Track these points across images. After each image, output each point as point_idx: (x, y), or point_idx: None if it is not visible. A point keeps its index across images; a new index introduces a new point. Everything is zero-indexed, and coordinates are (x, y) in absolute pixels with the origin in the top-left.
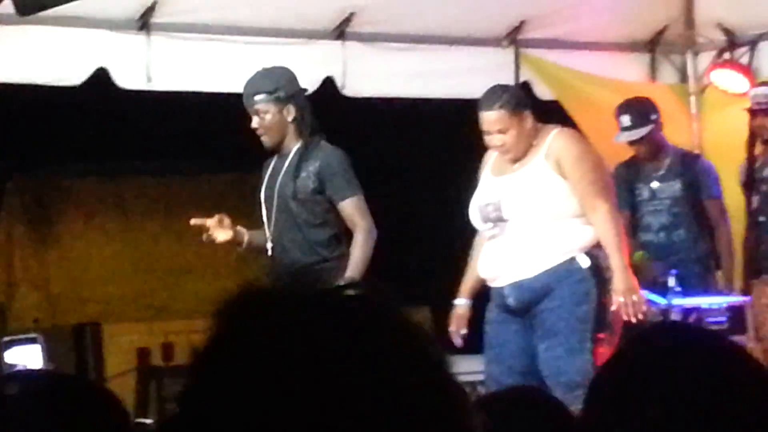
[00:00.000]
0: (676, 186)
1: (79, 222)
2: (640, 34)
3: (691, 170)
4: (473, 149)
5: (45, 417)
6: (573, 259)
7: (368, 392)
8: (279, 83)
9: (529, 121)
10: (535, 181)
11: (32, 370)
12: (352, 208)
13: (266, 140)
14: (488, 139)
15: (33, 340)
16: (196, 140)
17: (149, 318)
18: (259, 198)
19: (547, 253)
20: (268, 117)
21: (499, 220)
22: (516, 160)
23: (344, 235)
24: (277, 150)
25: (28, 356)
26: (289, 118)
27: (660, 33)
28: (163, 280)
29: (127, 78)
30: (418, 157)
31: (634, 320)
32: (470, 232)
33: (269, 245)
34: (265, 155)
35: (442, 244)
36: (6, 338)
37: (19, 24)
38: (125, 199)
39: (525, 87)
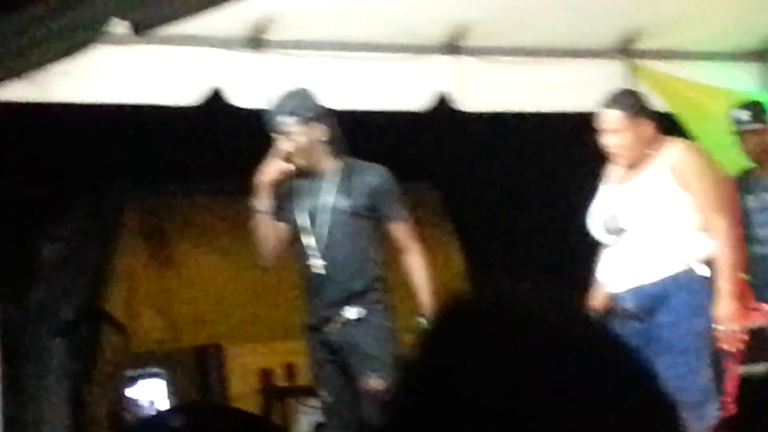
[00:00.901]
0: None
1: (197, 242)
2: (752, 42)
3: None
4: (588, 163)
5: None
6: (691, 268)
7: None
8: (305, 103)
9: (647, 129)
10: (654, 190)
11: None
12: (406, 230)
13: (299, 162)
14: (603, 140)
15: (156, 375)
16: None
17: (271, 338)
18: (295, 220)
19: (667, 260)
20: (299, 138)
21: (619, 230)
22: (630, 167)
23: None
24: (308, 172)
25: (151, 391)
26: (320, 138)
27: None
28: (284, 300)
29: (242, 97)
30: (534, 171)
31: (733, 350)
32: (588, 246)
33: (320, 264)
34: None
35: (559, 260)
36: (129, 372)
37: (133, 44)
38: (243, 218)
39: None
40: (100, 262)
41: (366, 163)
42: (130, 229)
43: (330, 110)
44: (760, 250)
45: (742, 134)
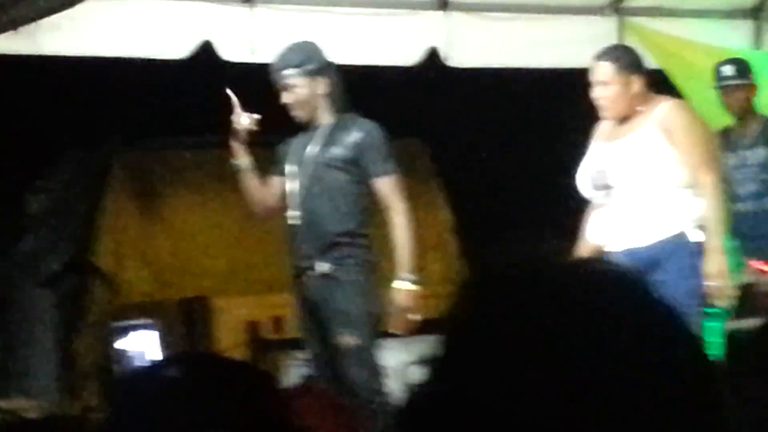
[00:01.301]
0: (762, 152)
1: (185, 196)
2: (744, 1)
3: None
4: (577, 119)
5: (207, 399)
6: (683, 232)
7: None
8: (308, 56)
9: (636, 86)
10: (643, 148)
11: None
12: (390, 186)
13: (299, 114)
14: (593, 92)
15: (146, 326)
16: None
17: (258, 291)
18: (282, 170)
19: (659, 224)
20: (299, 91)
21: (607, 187)
22: (620, 123)
23: (371, 215)
24: (308, 125)
25: (141, 342)
26: (320, 91)
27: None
28: (270, 253)
29: (231, 50)
30: (522, 126)
31: (723, 306)
32: (577, 203)
33: (296, 215)
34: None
35: (549, 216)
36: (118, 324)
37: None
38: (231, 171)
39: None
40: (88, 215)
41: (359, 119)
42: (118, 182)
43: (333, 64)
44: (740, 207)
45: (725, 89)
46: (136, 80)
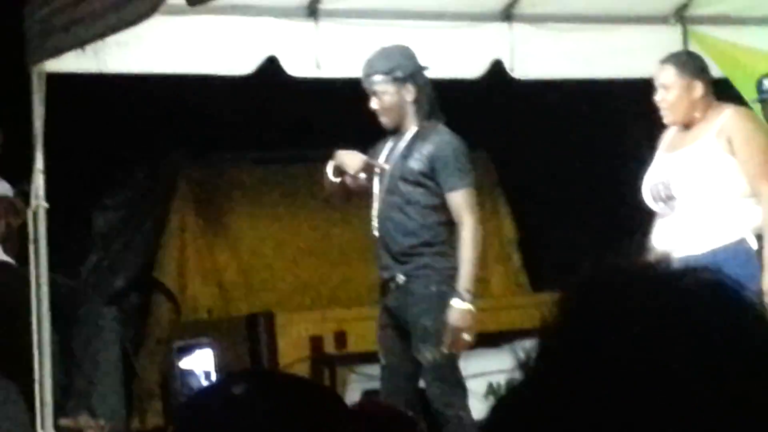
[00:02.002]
0: None
1: (249, 211)
2: None
3: None
4: (643, 128)
5: (274, 416)
6: (743, 239)
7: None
8: (397, 62)
9: (698, 91)
10: (704, 158)
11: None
12: (460, 201)
13: (385, 121)
14: (655, 96)
15: (209, 345)
16: (366, 126)
17: (321, 306)
18: (372, 177)
19: (717, 231)
20: (386, 98)
21: (669, 198)
22: (682, 130)
23: (452, 225)
24: (396, 131)
25: (204, 361)
26: (408, 98)
27: None
28: (334, 268)
29: (296, 65)
30: (588, 137)
31: None
32: (641, 215)
33: (375, 224)
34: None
35: (617, 227)
36: (180, 342)
37: (187, 14)
38: (295, 187)
39: None
40: (154, 232)
41: (441, 129)
42: (183, 199)
43: (423, 70)
44: None
45: (764, 103)
46: (202, 96)
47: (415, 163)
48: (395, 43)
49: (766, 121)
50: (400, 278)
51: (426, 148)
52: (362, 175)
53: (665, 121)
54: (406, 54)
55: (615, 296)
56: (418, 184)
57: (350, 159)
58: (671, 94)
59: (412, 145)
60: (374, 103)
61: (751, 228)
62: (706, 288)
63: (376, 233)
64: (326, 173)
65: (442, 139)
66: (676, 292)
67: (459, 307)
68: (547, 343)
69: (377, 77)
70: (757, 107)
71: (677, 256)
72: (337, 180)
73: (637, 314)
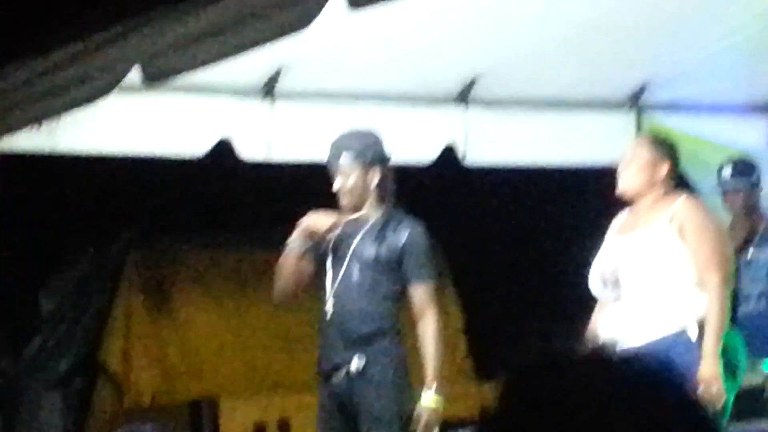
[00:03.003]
0: None
1: (196, 295)
2: (762, 96)
3: None
4: (597, 215)
5: None
6: (684, 330)
7: None
8: (366, 145)
9: (663, 170)
10: (655, 243)
11: None
12: (426, 294)
13: (345, 203)
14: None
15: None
16: (313, 208)
17: (266, 392)
18: (326, 258)
19: (660, 322)
20: (352, 179)
21: (617, 282)
22: (636, 212)
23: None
24: (352, 214)
25: None
26: (373, 183)
27: None
28: (280, 354)
29: (249, 148)
30: (541, 223)
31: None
32: (590, 302)
33: (330, 306)
34: None
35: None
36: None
37: (143, 93)
38: (243, 271)
39: None
40: (100, 314)
41: (407, 218)
42: (131, 282)
43: (389, 156)
44: (748, 307)
45: (725, 191)
46: (153, 177)
47: (386, 250)
48: (349, 125)
49: (726, 209)
50: (358, 363)
51: (397, 238)
52: (332, 234)
53: (619, 188)
54: (377, 139)
55: (555, 385)
56: (385, 270)
57: (323, 219)
58: (635, 164)
59: (380, 232)
60: (338, 184)
61: (695, 317)
62: (645, 378)
63: (329, 314)
64: (289, 248)
65: (415, 231)
66: (614, 381)
67: (433, 404)
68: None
69: (345, 158)
70: (716, 199)
71: (620, 345)
72: (303, 250)
73: (576, 403)
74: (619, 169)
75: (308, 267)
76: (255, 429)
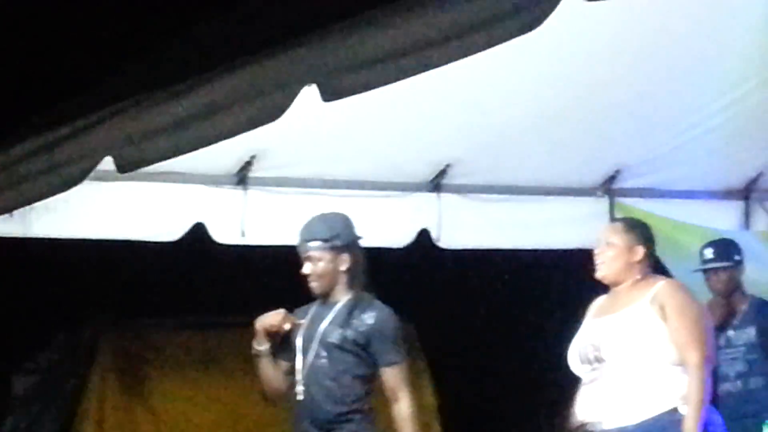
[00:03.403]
0: (750, 332)
1: (169, 378)
2: (734, 181)
3: (766, 316)
4: (569, 299)
5: None
6: (675, 409)
7: None
8: (337, 231)
9: (638, 255)
10: (637, 322)
11: None
12: (397, 377)
13: (315, 287)
14: (596, 253)
15: None
16: (290, 294)
17: None
18: (295, 343)
19: (650, 401)
20: (321, 264)
21: (598, 361)
22: (615, 297)
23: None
24: (322, 298)
25: None
26: (342, 267)
27: (754, 179)
28: None
29: (223, 233)
30: (513, 306)
31: None
32: (570, 383)
33: (299, 390)
34: None
35: (540, 396)
36: None
37: (117, 181)
38: (216, 353)
39: None
40: (73, 395)
41: (374, 302)
42: (104, 363)
43: (359, 241)
44: (728, 387)
45: (707, 272)
46: (127, 262)
47: (352, 333)
48: (324, 211)
49: (710, 290)
50: None
51: (365, 320)
52: (287, 327)
53: (597, 275)
54: (346, 223)
55: None
56: (352, 353)
57: (272, 316)
58: (612, 250)
59: (348, 315)
60: (307, 269)
61: (682, 396)
62: None
63: (300, 398)
64: (255, 349)
65: (382, 314)
66: None
67: None
68: None
69: (314, 243)
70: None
71: (606, 427)
72: (267, 346)
73: None
74: (596, 256)
75: (284, 365)
76: None
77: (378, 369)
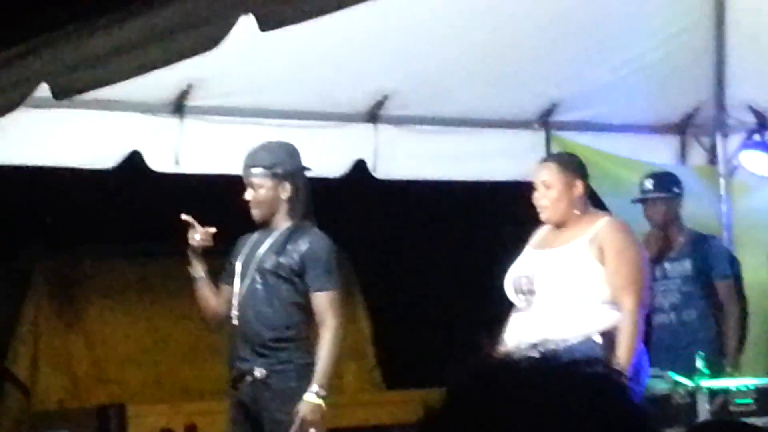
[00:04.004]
0: (686, 265)
1: (103, 304)
2: (670, 116)
3: (702, 250)
4: (504, 230)
5: None
6: (589, 338)
7: None
8: (278, 159)
9: (578, 189)
10: (573, 261)
11: None
12: (326, 302)
13: (256, 214)
14: (534, 194)
15: None
16: (224, 222)
17: (173, 399)
18: (234, 268)
19: (567, 331)
20: (262, 192)
21: (530, 292)
22: (557, 229)
23: (312, 321)
24: (263, 225)
25: None
26: (284, 196)
27: (690, 115)
28: (186, 361)
29: (159, 161)
30: (448, 237)
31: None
32: (499, 315)
33: (234, 314)
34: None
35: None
36: None
37: (53, 108)
38: (150, 280)
39: None
40: (7, 322)
41: (312, 230)
42: (39, 290)
43: (303, 170)
44: (662, 318)
45: (646, 202)
46: (62, 189)
47: (287, 260)
48: (259, 141)
49: (648, 220)
50: (260, 372)
51: (299, 247)
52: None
53: (543, 218)
54: (289, 152)
55: (493, 390)
56: (287, 280)
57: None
58: (553, 191)
59: (286, 241)
60: (249, 195)
61: (600, 329)
62: (588, 380)
63: (235, 322)
64: (191, 275)
65: (315, 240)
66: (555, 385)
67: (310, 401)
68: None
69: (257, 170)
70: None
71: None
72: (202, 273)
73: (514, 407)
74: (535, 199)
75: (224, 289)
76: None
77: (309, 294)
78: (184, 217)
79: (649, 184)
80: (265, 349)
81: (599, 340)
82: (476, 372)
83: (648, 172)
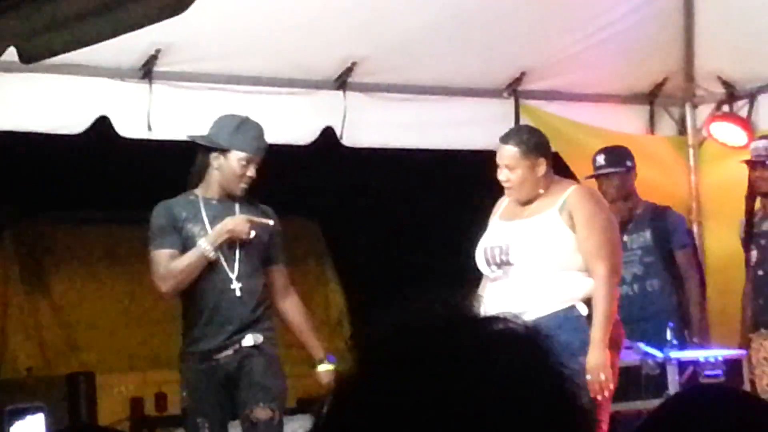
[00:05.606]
0: (646, 235)
1: (73, 271)
2: (639, 86)
3: (661, 220)
4: (474, 199)
5: None
6: (573, 306)
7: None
8: (213, 131)
9: (541, 168)
10: (546, 230)
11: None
12: (287, 276)
13: (243, 189)
14: (498, 173)
15: (39, 409)
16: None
17: (143, 368)
18: (196, 235)
19: (548, 299)
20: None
21: (505, 264)
22: (523, 204)
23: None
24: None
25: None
26: (215, 165)
27: (659, 85)
28: (156, 330)
29: (128, 126)
30: (418, 206)
31: (599, 398)
32: (470, 281)
33: (236, 285)
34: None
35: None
36: (10, 407)
37: (22, 72)
38: (120, 248)
39: None
40: None
41: (263, 206)
42: (7, 256)
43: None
44: (624, 290)
45: (599, 178)
46: (31, 154)
47: (264, 234)
48: (227, 107)
49: (603, 195)
50: (256, 338)
51: (266, 218)
52: (252, 235)
53: (509, 197)
54: (221, 124)
55: (415, 341)
56: (262, 251)
57: (240, 224)
58: (516, 174)
59: (252, 214)
60: (252, 171)
61: (580, 296)
62: (510, 336)
63: (238, 293)
64: (207, 253)
65: (269, 212)
66: (476, 336)
67: (330, 367)
68: (342, 393)
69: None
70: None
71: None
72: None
73: (431, 358)
74: (499, 176)
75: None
76: (132, 402)
77: (272, 267)
78: (253, 219)
79: (601, 159)
80: (256, 318)
81: (584, 308)
82: (388, 333)
83: (600, 146)
